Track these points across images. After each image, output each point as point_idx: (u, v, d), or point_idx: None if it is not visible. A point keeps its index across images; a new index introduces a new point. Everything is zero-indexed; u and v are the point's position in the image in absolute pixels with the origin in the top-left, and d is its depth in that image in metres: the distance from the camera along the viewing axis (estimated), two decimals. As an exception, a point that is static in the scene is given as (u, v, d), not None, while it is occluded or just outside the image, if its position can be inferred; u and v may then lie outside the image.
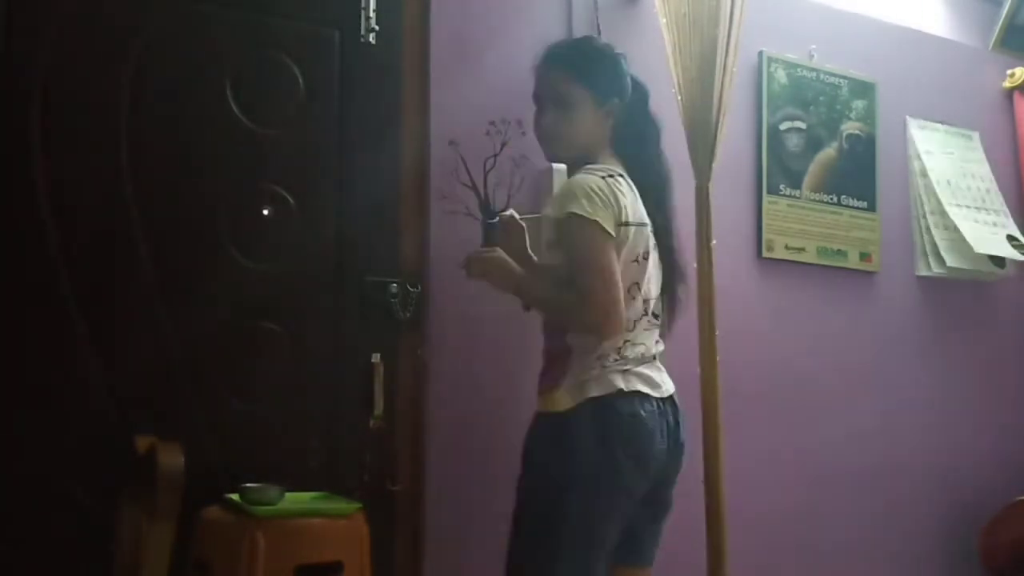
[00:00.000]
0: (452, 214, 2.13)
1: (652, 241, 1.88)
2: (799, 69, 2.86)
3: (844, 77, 2.94)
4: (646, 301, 1.85)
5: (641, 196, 1.88)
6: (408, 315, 2.16)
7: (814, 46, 2.89)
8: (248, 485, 1.78)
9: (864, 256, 2.93)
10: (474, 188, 2.14)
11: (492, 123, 2.08)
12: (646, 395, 1.80)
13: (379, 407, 2.08)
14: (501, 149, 2.25)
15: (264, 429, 2.01)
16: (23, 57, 1.89)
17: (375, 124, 2.21)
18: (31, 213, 1.87)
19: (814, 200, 2.84)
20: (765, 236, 2.74)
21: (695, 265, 2.22)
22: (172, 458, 1.70)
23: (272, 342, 2.06)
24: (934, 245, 3.03)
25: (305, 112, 2.15)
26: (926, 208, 3.06)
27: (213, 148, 2.05)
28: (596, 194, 1.76)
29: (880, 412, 2.90)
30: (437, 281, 2.20)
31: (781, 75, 2.82)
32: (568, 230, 1.78)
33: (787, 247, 2.77)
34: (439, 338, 2.18)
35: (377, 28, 2.21)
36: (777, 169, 2.79)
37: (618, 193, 1.79)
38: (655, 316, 1.90)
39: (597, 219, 1.74)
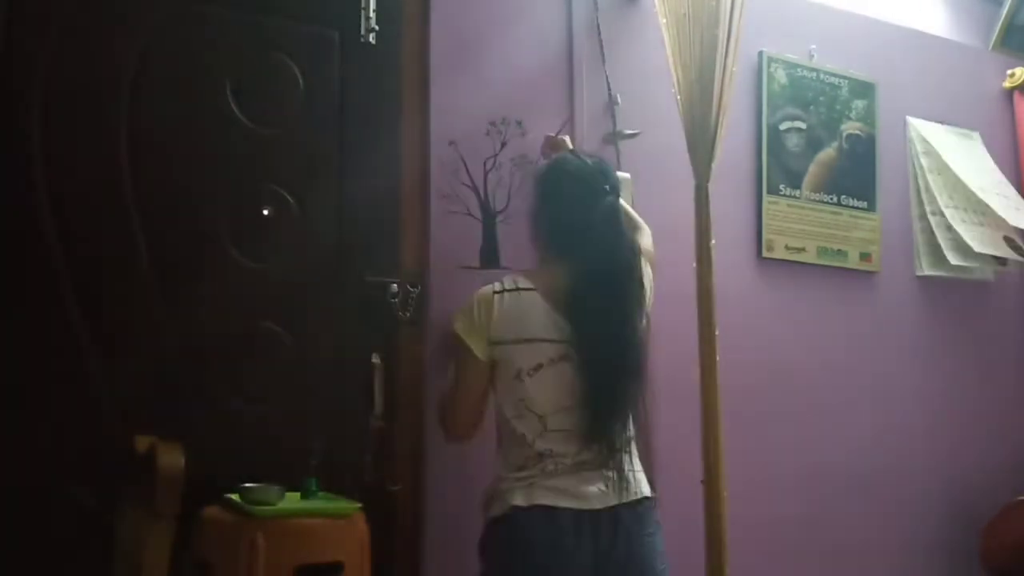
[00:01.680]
0: (452, 214, 2.13)
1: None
2: (799, 69, 2.86)
3: (844, 77, 2.94)
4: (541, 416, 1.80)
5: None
6: (408, 315, 2.16)
7: (814, 46, 2.89)
8: (248, 485, 1.78)
9: (864, 256, 2.93)
10: (474, 188, 2.15)
11: (492, 123, 2.09)
12: (556, 509, 1.75)
13: (379, 407, 2.08)
14: (501, 149, 2.26)
15: (264, 429, 2.01)
16: (23, 57, 1.89)
17: (375, 124, 2.21)
18: (31, 213, 1.87)
19: (814, 200, 2.84)
20: (765, 236, 2.74)
21: (695, 265, 2.22)
22: (172, 458, 1.70)
23: (272, 342, 2.06)
24: (935, 245, 3.03)
25: (305, 112, 2.15)
26: (926, 208, 3.06)
27: (213, 148, 2.05)
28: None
29: (880, 412, 2.90)
30: (437, 281, 2.20)
31: (781, 75, 2.82)
32: None
33: (787, 247, 2.77)
34: (439, 338, 2.18)
35: (377, 28, 2.21)
36: (777, 169, 2.79)
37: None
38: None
39: None
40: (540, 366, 1.78)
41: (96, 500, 1.84)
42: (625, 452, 1.82)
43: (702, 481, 2.15)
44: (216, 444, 1.94)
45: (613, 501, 1.78)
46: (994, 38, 3.36)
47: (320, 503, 1.86)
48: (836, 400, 2.82)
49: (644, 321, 1.87)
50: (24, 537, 1.81)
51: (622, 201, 1.94)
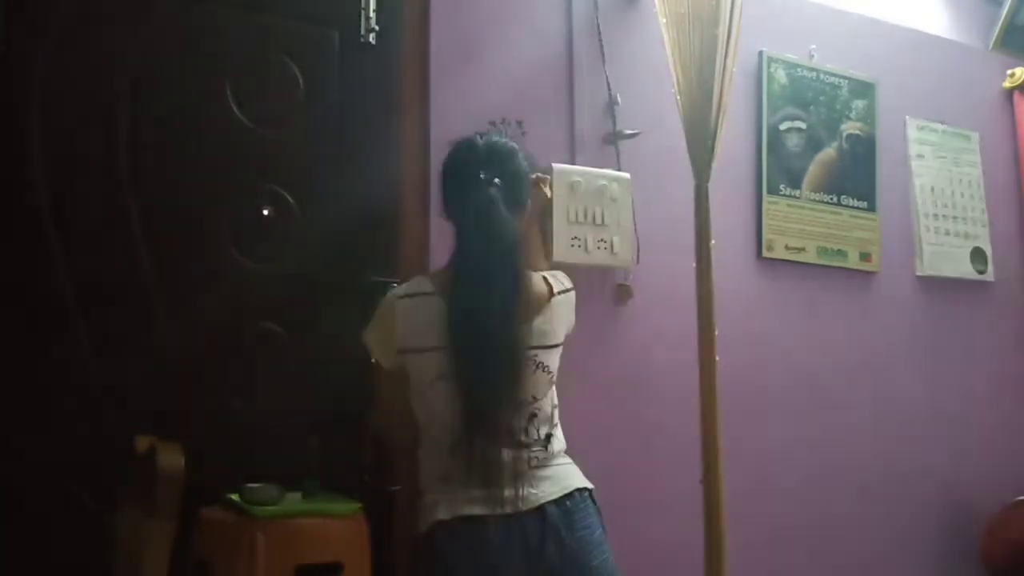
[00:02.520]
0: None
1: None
2: (799, 69, 2.86)
3: (844, 77, 2.94)
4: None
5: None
6: (408, 315, 2.16)
7: (814, 46, 2.89)
8: (248, 485, 1.78)
9: (864, 256, 2.93)
10: (474, 188, 2.13)
11: (492, 123, 2.09)
12: (481, 518, 1.68)
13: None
14: (501, 149, 2.25)
15: (264, 429, 2.01)
16: (23, 57, 1.89)
17: (375, 124, 2.21)
18: (31, 213, 1.87)
19: (814, 200, 2.84)
20: (765, 236, 2.74)
21: (695, 265, 2.22)
22: (172, 458, 1.70)
23: (272, 342, 2.06)
24: (935, 245, 3.03)
25: (305, 112, 2.15)
26: (924, 208, 3.06)
27: (213, 148, 2.05)
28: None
29: (880, 411, 2.90)
30: (437, 281, 2.20)
31: (781, 75, 2.82)
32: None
33: (787, 247, 2.77)
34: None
35: (377, 28, 2.21)
36: (777, 169, 2.79)
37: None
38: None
39: None
40: (443, 376, 1.73)
41: (96, 500, 1.85)
42: (540, 447, 1.77)
43: (702, 481, 2.15)
44: (216, 444, 1.94)
45: (537, 501, 1.72)
46: (994, 38, 3.36)
47: (320, 503, 1.86)
48: (836, 400, 2.82)
49: (529, 322, 1.77)
50: (24, 537, 1.81)
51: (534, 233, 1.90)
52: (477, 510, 1.69)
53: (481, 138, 1.87)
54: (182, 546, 1.75)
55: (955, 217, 3.13)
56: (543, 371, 1.80)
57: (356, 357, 2.08)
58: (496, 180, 1.79)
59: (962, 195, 3.18)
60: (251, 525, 1.71)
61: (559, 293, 1.86)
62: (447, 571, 1.70)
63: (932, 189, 3.10)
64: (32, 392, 1.86)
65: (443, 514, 1.71)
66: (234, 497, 1.80)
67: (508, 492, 1.70)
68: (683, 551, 2.20)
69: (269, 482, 1.80)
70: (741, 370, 2.51)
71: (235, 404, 2.01)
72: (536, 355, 1.78)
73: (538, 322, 1.79)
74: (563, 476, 1.79)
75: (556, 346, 1.84)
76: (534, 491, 1.73)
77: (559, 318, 1.85)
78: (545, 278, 1.86)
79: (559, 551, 1.71)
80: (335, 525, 1.80)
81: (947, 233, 3.10)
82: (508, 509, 1.70)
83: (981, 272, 3.13)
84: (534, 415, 1.78)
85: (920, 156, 3.10)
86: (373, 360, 1.85)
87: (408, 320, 1.77)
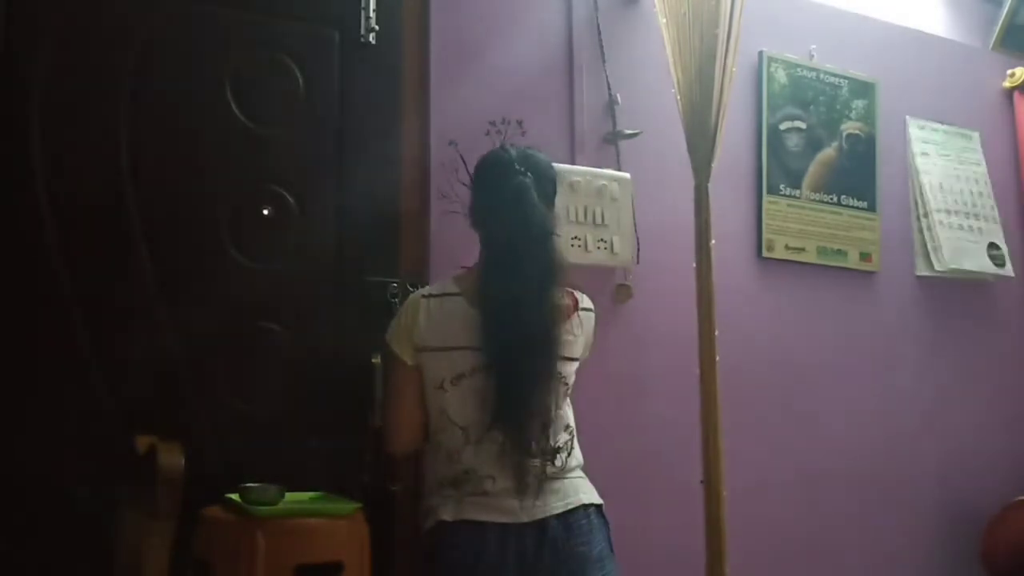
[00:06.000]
0: (452, 214, 2.13)
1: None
2: (799, 69, 2.86)
3: (844, 77, 2.94)
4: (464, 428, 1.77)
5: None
6: (408, 315, 2.16)
7: (814, 46, 2.89)
8: (248, 485, 1.78)
9: (864, 256, 2.93)
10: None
11: (492, 123, 2.08)
12: (482, 523, 1.72)
13: (379, 407, 2.07)
14: (501, 149, 2.25)
15: (264, 429, 2.01)
16: (23, 57, 1.89)
17: (375, 124, 2.21)
18: (31, 212, 1.87)
19: (814, 200, 2.84)
20: (765, 236, 2.74)
21: (695, 265, 2.22)
22: (172, 458, 1.70)
23: (272, 342, 2.06)
24: (935, 245, 3.03)
25: (305, 112, 2.15)
26: (929, 207, 3.06)
27: (213, 148, 2.05)
28: None
29: (880, 412, 2.90)
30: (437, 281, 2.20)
31: (781, 75, 2.82)
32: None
33: (787, 247, 2.77)
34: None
35: (377, 28, 2.21)
36: (777, 169, 2.79)
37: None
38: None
39: None
40: (461, 376, 1.77)
41: (96, 500, 1.84)
42: (550, 460, 1.78)
43: (702, 481, 2.15)
44: (216, 444, 1.94)
45: (540, 513, 1.75)
46: (994, 38, 3.36)
47: (320, 503, 1.86)
48: (836, 400, 2.82)
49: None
50: (24, 537, 1.81)
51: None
52: (481, 516, 1.73)
53: (503, 149, 1.92)
54: (182, 546, 1.75)
55: (966, 213, 3.12)
56: (560, 381, 1.82)
57: (356, 357, 2.09)
58: (528, 172, 1.83)
59: (971, 192, 3.17)
60: (251, 525, 1.70)
61: (583, 310, 1.89)
62: (448, 569, 1.73)
63: (940, 186, 3.09)
64: (32, 392, 1.85)
65: (447, 515, 1.75)
66: (234, 497, 1.79)
67: (518, 502, 1.73)
68: (683, 551, 2.20)
69: (269, 482, 1.80)
70: (741, 370, 2.51)
71: (235, 404, 2.01)
72: (556, 364, 1.80)
73: (561, 331, 1.81)
74: (571, 491, 1.81)
75: (574, 359, 1.87)
76: (539, 503, 1.75)
77: (581, 333, 1.88)
78: (571, 292, 1.88)
79: (554, 565, 1.73)
80: (335, 525, 1.80)
81: (961, 228, 3.09)
82: (511, 519, 1.73)
83: (1000, 266, 3.11)
84: (547, 425, 1.79)
85: (925, 154, 3.10)
86: (386, 359, 1.87)
87: (431, 319, 1.81)
